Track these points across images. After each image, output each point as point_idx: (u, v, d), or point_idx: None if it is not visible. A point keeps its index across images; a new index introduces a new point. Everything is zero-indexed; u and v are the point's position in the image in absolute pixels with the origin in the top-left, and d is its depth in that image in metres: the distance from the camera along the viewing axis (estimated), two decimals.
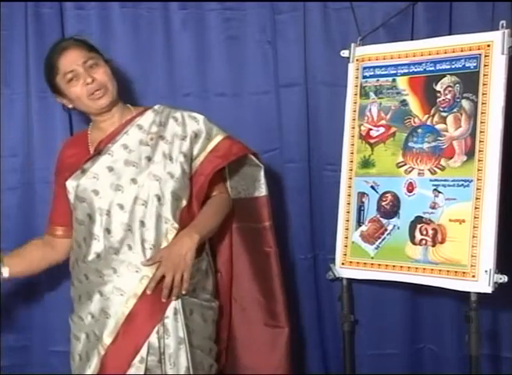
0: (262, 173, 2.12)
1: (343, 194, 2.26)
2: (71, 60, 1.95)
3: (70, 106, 2.04)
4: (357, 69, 2.25)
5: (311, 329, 2.42)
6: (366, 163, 2.21)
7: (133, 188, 1.93)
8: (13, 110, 2.33)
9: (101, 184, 1.94)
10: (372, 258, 2.17)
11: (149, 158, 1.96)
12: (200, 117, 2.04)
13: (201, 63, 2.38)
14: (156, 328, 1.89)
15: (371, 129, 2.22)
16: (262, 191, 2.13)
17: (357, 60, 2.25)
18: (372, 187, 2.19)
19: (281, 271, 2.15)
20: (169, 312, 1.90)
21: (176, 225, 1.94)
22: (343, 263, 2.24)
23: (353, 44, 2.26)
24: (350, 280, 2.28)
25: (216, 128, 2.06)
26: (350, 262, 2.22)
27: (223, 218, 2.05)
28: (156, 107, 2.05)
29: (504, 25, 1.98)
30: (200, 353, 1.96)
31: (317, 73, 2.36)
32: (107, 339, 1.89)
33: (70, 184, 1.97)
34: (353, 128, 2.25)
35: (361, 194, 2.22)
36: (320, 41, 2.35)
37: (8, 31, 2.30)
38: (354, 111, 2.25)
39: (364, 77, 2.24)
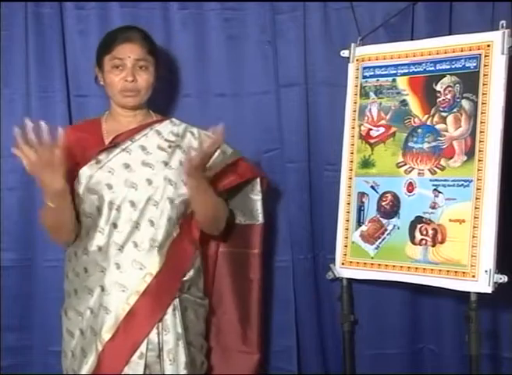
0: (260, 203, 2.17)
1: (343, 194, 2.26)
2: (128, 51, 1.98)
3: (101, 83, 2.05)
4: (357, 69, 2.25)
5: (311, 329, 2.42)
6: (366, 163, 2.21)
7: (148, 188, 1.96)
8: (13, 110, 2.33)
9: (116, 179, 1.95)
10: (372, 258, 2.17)
11: (166, 163, 2.00)
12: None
13: (201, 63, 2.38)
14: (155, 325, 1.91)
15: (371, 129, 2.22)
16: (259, 219, 2.18)
17: (357, 60, 2.25)
18: (372, 187, 2.19)
19: (261, 299, 2.20)
20: (168, 308, 1.92)
21: (179, 230, 1.99)
22: (342, 263, 2.24)
23: (353, 44, 2.26)
24: (350, 280, 2.27)
25: (231, 147, 2.11)
26: (350, 262, 2.22)
27: (218, 219, 2.07)
28: (173, 119, 2.11)
29: (504, 25, 1.98)
30: (193, 349, 1.98)
31: (317, 73, 2.36)
32: (105, 335, 1.90)
33: (84, 173, 1.96)
34: (353, 128, 2.25)
35: (361, 194, 2.22)
36: (320, 41, 2.35)
37: (8, 31, 2.30)
38: (354, 111, 2.25)
39: (364, 77, 2.24)
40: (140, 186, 1.95)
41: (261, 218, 2.18)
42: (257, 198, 2.17)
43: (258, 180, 2.17)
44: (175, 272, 1.97)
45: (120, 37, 2.00)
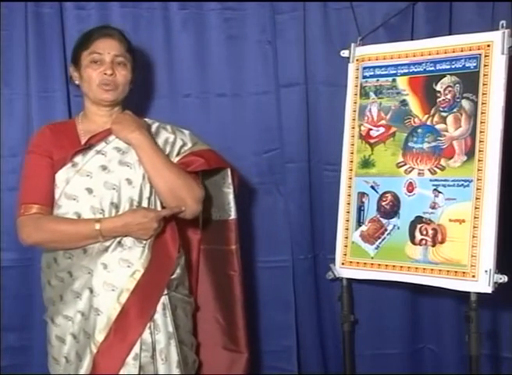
0: (232, 196, 2.13)
1: (343, 194, 2.26)
2: (107, 46, 1.97)
3: (77, 82, 2.03)
4: (357, 69, 2.25)
5: (311, 329, 2.42)
6: (366, 163, 2.21)
7: (128, 189, 1.94)
8: (13, 110, 2.33)
9: (95, 182, 1.93)
10: (372, 258, 2.17)
11: None
12: (187, 131, 2.08)
13: (201, 63, 2.38)
14: (148, 324, 1.90)
15: (371, 129, 2.22)
16: (232, 214, 2.14)
17: (357, 60, 2.25)
18: (372, 187, 2.19)
19: (244, 296, 2.15)
20: (158, 307, 1.92)
21: (162, 225, 1.96)
22: (343, 263, 2.24)
23: (353, 44, 2.26)
24: (350, 280, 2.28)
25: (201, 141, 2.09)
26: (350, 262, 2.22)
27: (177, 190, 1.96)
28: (146, 119, 2.07)
29: (504, 25, 1.98)
30: (185, 348, 1.98)
31: (317, 73, 2.37)
32: (99, 336, 1.88)
33: (60, 177, 1.93)
34: (353, 128, 2.25)
35: (361, 194, 2.22)
36: (320, 41, 2.36)
37: (8, 31, 2.30)
38: (354, 111, 2.25)
39: (364, 77, 2.24)
40: (120, 187, 1.93)
41: (233, 213, 2.14)
42: (228, 191, 2.14)
43: (229, 172, 2.13)
44: (162, 267, 1.96)
45: (99, 33, 1.99)
